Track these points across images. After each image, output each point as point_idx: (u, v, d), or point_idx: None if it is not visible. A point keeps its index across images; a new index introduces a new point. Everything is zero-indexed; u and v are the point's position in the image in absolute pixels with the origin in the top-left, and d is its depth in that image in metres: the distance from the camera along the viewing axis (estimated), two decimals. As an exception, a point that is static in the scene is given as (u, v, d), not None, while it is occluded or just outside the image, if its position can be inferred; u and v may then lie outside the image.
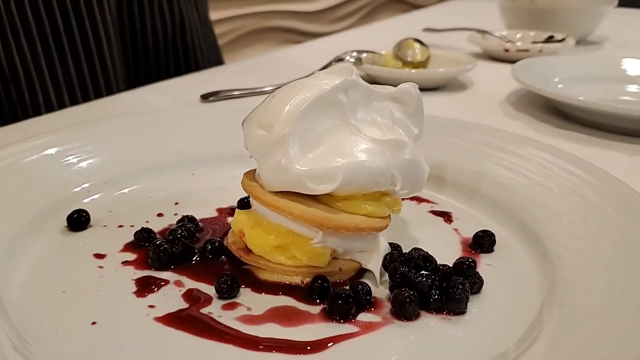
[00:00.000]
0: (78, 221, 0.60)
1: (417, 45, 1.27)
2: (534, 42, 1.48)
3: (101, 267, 0.54)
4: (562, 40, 1.45)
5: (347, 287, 0.50)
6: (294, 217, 0.50)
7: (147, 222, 0.62)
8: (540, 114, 1.02)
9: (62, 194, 0.63)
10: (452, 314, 0.49)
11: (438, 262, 0.53)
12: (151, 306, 0.49)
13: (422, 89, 1.13)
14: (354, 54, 1.22)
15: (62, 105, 1.08)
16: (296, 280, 0.52)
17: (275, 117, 0.52)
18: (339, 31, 2.29)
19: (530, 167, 0.66)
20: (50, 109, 1.06)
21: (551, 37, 1.48)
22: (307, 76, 0.56)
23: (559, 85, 1.12)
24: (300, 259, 0.52)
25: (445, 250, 0.58)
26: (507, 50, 1.41)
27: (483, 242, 0.58)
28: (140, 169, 0.70)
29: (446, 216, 0.65)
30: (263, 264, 0.52)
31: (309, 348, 0.45)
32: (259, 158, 0.53)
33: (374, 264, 0.53)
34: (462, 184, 0.69)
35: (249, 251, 0.53)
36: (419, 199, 0.69)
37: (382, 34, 1.54)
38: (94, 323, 0.47)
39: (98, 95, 1.14)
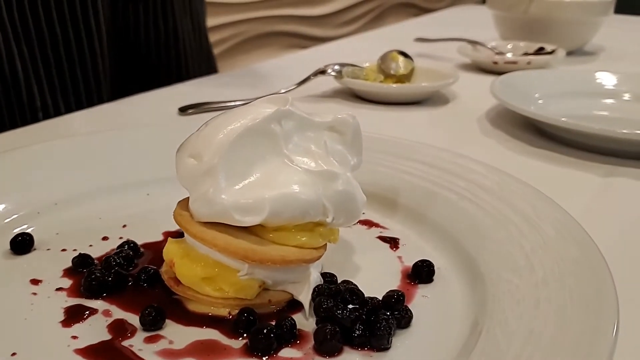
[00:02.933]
0: (21, 244, 0.60)
1: (401, 57, 1.26)
2: (525, 54, 1.47)
3: (35, 293, 0.54)
4: (552, 52, 1.44)
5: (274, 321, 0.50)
6: (218, 249, 0.50)
7: (90, 245, 0.62)
8: (517, 131, 1.01)
9: (8, 215, 0.64)
10: (376, 349, 0.48)
11: (370, 294, 0.53)
12: (74, 337, 0.49)
13: (402, 103, 1.15)
14: (336, 66, 1.21)
15: (57, 111, 1.12)
16: (223, 312, 0.52)
17: (205, 146, 0.52)
18: (345, 36, 2.29)
19: (479, 194, 0.65)
20: (46, 112, 1.11)
21: (541, 48, 1.47)
22: (246, 103, 0.55)
23: (540, 101, 1.10)
24: (227, 291, 0.51)
25: (385, 280, 0.57)
26: (495, 63, 1.39)
27: (421, 272, 0.58)
28: (93, 190, 0.70)
29: (393, 242, 0.64)
30: (191, 295, 0.52)
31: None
32: (188, 188, 0.53)
33: (304, 296, 0.53)
34: (412, 208, 0.69)
35: (178, 281, 0.53)
36: (369, 224, 0.68)
37: (374, 43, 1.53)
38: (14, 354, 0.47)
39: (90, 103, 1.17)
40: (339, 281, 0.56)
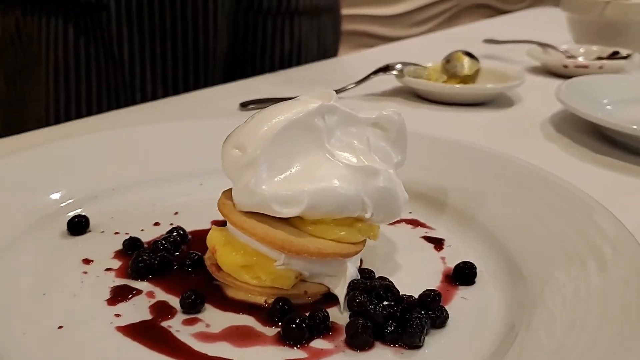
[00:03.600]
0: (76, 225, 0.63)
1: (466, 58, 1.24)
2: (598, 58, 1.42)
3: (85, 272, 0.57)
4: (627, 57, 1.38)
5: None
6: (257, 238, 0.52)
7: (142, 230, 0.64)
8: (582, 137, 0.98)
9: (68, 198, 0.67)
10: (407, 347, 0.48)
11: (408, 293, 0.53)
12: (117, 315, 0.51)
13: (465, 105, 1.14)
14: (399, 65, 1.21)
15: (155, 96, 1.24)
16: (260, 300, 0.53)
17: (249, 138, 0.53)
18: (414, 36, 2.28)
19: (530, 200, 0.64)
20: (155, 97, 1.23)
21: (616, 52, 1.41)
22: (292, 98, 0.56)
23: (608, 107, 1.07)
24: (264, 280, 0.52)
25: (424, 280, 0.57)
26: (566, 66, 1.35)
27: (463, 273, 0.57)
28: (150, 178, 0.73)
29: (438, 243, 0.64)
30: (230, 281, 0.54)
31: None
32: (232, 178, 0.54)
33: (340, 289, 0.53)
34: (460, 210, 0.68)
35: (219, 268, 0.55)
36: (415, 223, 0.68)
37: (442, 44, 1.51)
38: (60, 327, 0.50)
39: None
40: (376, 277, 0.56)
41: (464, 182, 0.71)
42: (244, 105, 1.08)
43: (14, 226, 0.61)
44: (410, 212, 0.70)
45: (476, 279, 0.58)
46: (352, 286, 0.52)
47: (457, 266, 0.58)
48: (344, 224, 0.54)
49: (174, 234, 0.62)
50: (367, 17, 3.00)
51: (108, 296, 0.54)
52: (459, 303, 0.55)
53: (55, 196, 0.67)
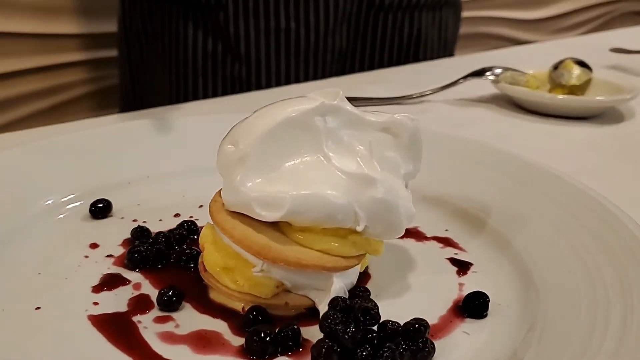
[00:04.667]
0: (97, 209, 0.64)
1: (576, 67, 1.12)
2: None
3: (87, 256, 0.57)
4: None
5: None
6: (234, 240, 0.49)
7: (160, 220, 0.64)
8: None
9: (101, 182, 0.68)
10: (376, 379, 0.43)
11: (404, 319, 0.47)
12: (96, 303, 0.51)
13: (568, 117, 1.03)
14: (498, 70, 1.12)
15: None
16: (238, 306, 0.50)
17: (243, 134, 0.50)
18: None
19: (582, 236, 0.55)
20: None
21: None
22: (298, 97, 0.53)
23: None
24: (242, 285, 0.49)
25: (428, 307, 0.51)
26: (699, 82, 1.18)
27: (472, 304, 0.51)
28: (185, 168, 0.72)
29: (463, 267, 0.57)
30: (213, 283, 0.51)
31: (194, 381, 0.43)
32: (223, 174, 0.51)
33: (324, 306, 0.49)
34: (499, 233, 0.60)
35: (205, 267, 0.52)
36: (446, 242, 0.61)
37: (561, 50, 1.39)
38: (38, 308, 0.50)
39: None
40: (367, 298, 0.51)
41: (510, 202, 0.63)
42: None
43: (40, 205, 0.63)
44: (446, 230, 0.63)
45: (488, 313, 0.51)
46: (331, 304, 0.47)
47: (468, 296, 0.51)
48: (336, 235, 0.49)
49: (185, 227, 0.60)
50: (506, 20, 2.84)
51: (96, 283, 0.53)
52: (457, 337, 0.48)
53: (89, 179, 0.68)
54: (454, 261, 0.58)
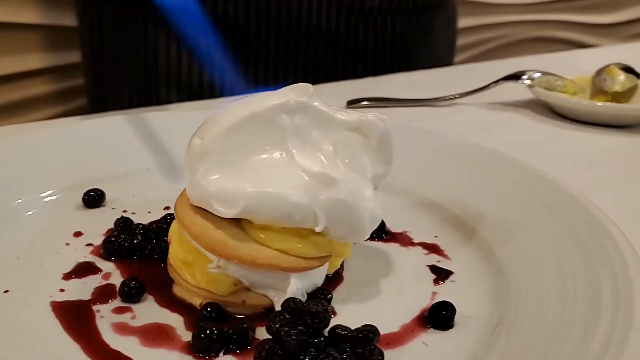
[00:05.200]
0: (89, 199, 0.65)
1: (621, 73, 1.06)
2: None
3: (68, 244, 0.58)
4: None
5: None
6: (191, 235, 0.48)
7: (149, 212, 0.64)
8: None
9: (100, 173, 0.69)
10: (316, 385, 0.42)
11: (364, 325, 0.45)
12: (62, 290, 0.51)
13: (609, 126, 0.97)
14: (536, 74, 1.07)
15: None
16: (196, 302, 0.50)
17: (210, 128, 0.50)
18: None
19: (572, 260, 0.51)
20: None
21: None
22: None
23: None
24: (199, 281, 0.49)
25: (392, 315, 0.49)
26: None
27: (436, 315, 0.48)
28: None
29: (442, 276, 0.55)
30: (176, 277, 0.51)
31: (132, 373, 0.43)
32: (188, 168, 0.51)
33: (279, 306, 0.48)
34: (488, 243, 0.58)
35: (172, 261, 0.52)
36: (432, 249, 0.59)
37: (616, 56, 1.31)
38: (6, 291, 0.51)
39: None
40: (326, 300, 0.49)
41: (506, 211, 0.60)
42: (351, 104, 1.04)
43: (39, 192, 0.65)
44: (435, 236, 0.61)
45: (454, 324, 0.48)
46: (283, 305, 0.46)
47: (434, 306, 0.49)
48: (297, 235, 0.48)
49: (168, 219, 0.60)
50: (574, 25, 2.73)
51: (68, 270, 0.54)
52: (414, 348, 0.46)
53: (88, 169, 0.69)
54: (434, 269, 0.56)
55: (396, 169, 0.66)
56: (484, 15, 2.43)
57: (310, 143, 0.49)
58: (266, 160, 0.48)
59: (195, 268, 0.49)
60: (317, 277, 0.51)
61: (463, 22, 2.37)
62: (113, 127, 0.75)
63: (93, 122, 0.75)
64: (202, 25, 0.70)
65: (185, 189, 0.53)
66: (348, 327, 0.45)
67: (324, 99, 0.50)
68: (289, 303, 0.46)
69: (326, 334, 0.45)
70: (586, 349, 0.40)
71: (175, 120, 0.77)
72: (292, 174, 0.47)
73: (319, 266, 0.49)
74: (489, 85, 1.07)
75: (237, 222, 0.49)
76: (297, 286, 0.48)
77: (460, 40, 2.43)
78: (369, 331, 0.44)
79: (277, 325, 0.44)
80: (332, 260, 0.52)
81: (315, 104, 0.49)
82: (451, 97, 1.07)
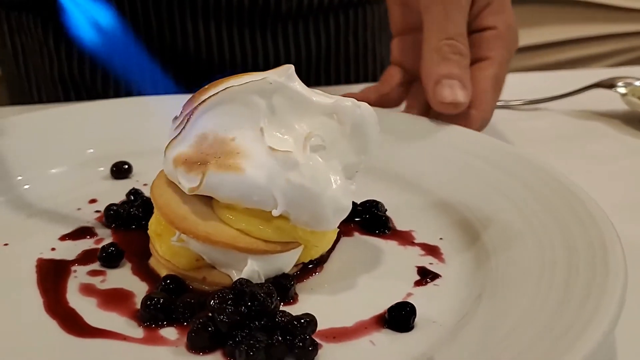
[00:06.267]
0: (117, 170, 0.68)
1: None
2: None
3: (79, 209, 0.61)
4: None
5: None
6: (156, 207, 0.49)
7: (167, 187, 0.66)
8: None
9: (133, 147, 0.72)
10: (240, 364, 0.41)
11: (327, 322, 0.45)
12: (53, 249, 0.55)
13: None
14: (637, 82, 0.97)
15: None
16: (162, 273, 0.50)
17: (188, 105, 0.50)
18: None
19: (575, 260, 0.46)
20: None
21: None
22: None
23: None
24: (164, 252, 0.50)
25: (354, 310, 0.47)
26: None
27: (394, 315, 0.46)
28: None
29: (427, 278, 0.52)
30: (150, 247, 0.52)
31: (81, 331, 0.45)
32: (167, 142, 0.52)
33: (235, 286, 0.47)
34: (487, 248, 0.53)
35: (152, 232, 0.54)
36: (430, 250, 0.55)
37: None
38: (6, 244, 0.55)
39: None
40: (298, 290, 0.48)
41: (513, 218, 0.55)
42: None
43: (78, 155, 0.69)
44: (440, 239, 0.57)
45: (413, 327, 0.45)
46: (232, 285, 0.46)
47: (393, 305, 0.46)
48: (259, 217, 0.48)
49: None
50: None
51: (67, 232, 0.57)
52: (358, 345, 0.44)
53: (122, 143, 0.72)
54: (422, 270, 0.53)
55: (413, 164, 0.63)
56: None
57: (284, 125, 0.48)
58: (236, 139, 0.48)
59: (163, 240, 0.50)
60: (283, 262, 0.49)
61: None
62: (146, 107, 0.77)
63: (125, 102, 0.78)
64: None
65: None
66: (290, 314, 0.44)
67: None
68: (236, 283, 0.45)
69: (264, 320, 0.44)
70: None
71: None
72: (258, 155, 0.47)
73: (280, 251, 0.48)
74: (577, 91, 0.98)
75: (208, 200, 0.49)
76: (254, 268, 0.47)
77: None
78: (305, 320, 0.43)
79: (215, 303, 0.43)
80: (309, 249, 0.51)
81: (294, 84, 0.48)
82: (535, 101, 1.00)
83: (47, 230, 0.57)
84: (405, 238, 0.58)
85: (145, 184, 0.67)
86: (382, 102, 0.74)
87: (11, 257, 0.53)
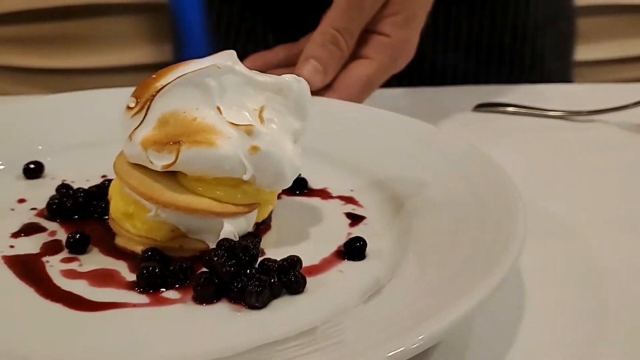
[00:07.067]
0: (29, 170, 0.69)
1: None
2: None
3: (13, 209, 0.63)
4: None
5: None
6: (130, 188, 0.54)
7: (87, 180, 0.68)
8: None
9: (40, 146, 0.73)
10: (248, 307, 0.49)
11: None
12: (12, 246, 0.56)
13: None
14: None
15: None
16: (138, 249, 0.55)
17: (142, 91, 0.55)
18: None
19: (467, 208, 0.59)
20: None
21: None
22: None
23: None
24: (140, 229, 0.55)
25: (314, 252, 0.56)
26: None
27: (350, 248, 0.56)
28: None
29: (356, 220, 0.63)
30: (117, 229, 0.57)
31: (83, 305, 0.48)
32: (123, 128, 0.56)
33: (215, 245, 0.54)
34: (396, 195, 0.66)
35: (112, 216, 0.58)
36: (347, 200, 0.67)
37: None
38: (-36, 249, 0.55)
39: None
40: (261, 244, 0.56)
41: (413, 169, 0.68)
42: (479, 107, 0.99)
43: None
44: (351, 190, 0.69)
45: (366, 256, 0.56)
46: (218, 244, 0.52)
47: (347, 241, 0.57)
48: (227, 185, 0.55)
49: (105, 184, 0.65)
50: None
51: (16, 230, 0.59)
52: (331, 275, 0.54)
53: (29, 144, 0.73)
54: (349, 215, 0.64)
55: (319, 135, 0.73)
56: None
57: (236, 103, 0.55)
58: (197, 118, 0.54)
59: (135, 218, 0.55)
60: (247, 223, 0.57)
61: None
62: (49, 105, 0.78)
63: (32, 100, 0.79)
64: None
65: (122, 151, 0.58)
66: (275, 259, 0.52)
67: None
68: (223, 241, 0.52)
69: (256, 267, 0.52)
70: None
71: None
72: (222, 130, 0.54)
73: (247, 212, 0.56)
74: (637, 103, 0.94)
75: (172, 175, 0.55)
76: (230, 229, 0.54)
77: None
78: (292, 259, 0.51)
79: (213, 259, 0.50)
80: (261, 209, 0.59)
81: (238, 67, 0.56)
82: (592, 112, 0.96)
83: (-1, 232, 0.58)
84: (323, 194, 0.68)
85: (64, 180, 0.69)
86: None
87: (-27, 260, 0.54)
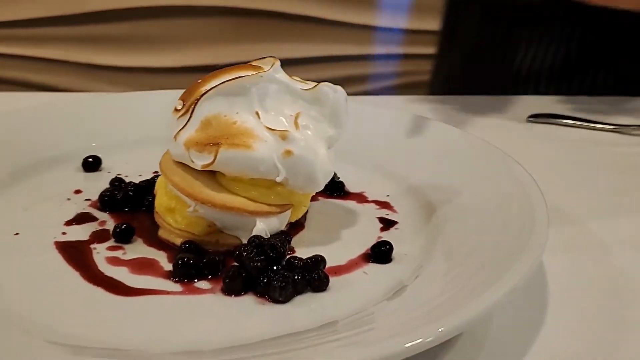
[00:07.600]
0: (88, 163, 0.74)
1: None
2: None
3: (69, 199, 0.68)
4: None
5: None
6: (172, 184, 0.58)
7: (139, 175, 0.73)
8: None
9: (100, 142, 0.79)
10: (272, 301, 0.52)
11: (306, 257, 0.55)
12: (64, 233, 0.61)
13: None
14: None
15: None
16: (178, 242, 0.59)
17: (189, 95, 0.59)
18: None
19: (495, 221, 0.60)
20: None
21: None
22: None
23: None
24: (180, 223, 0.58)
25: (342, 253, 0.59)
26: None
27: (376, 251, 0.58)
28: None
29: (388, 225, 0.65)
30: (160, 222, 0.61)
31: (122, 290, 0.52)
32: (171, 128, 0.60)
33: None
34: (429, 202, 0.67)
35: (158, 210, 0.62)
36: (383, 205, 0.69)
37: None
38: (17, 234, 0.61)
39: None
40: (292, 243, 0.59)
41: (446, 177, 0.70)
42: (533, 117, 1.01)
43: (49, 153, 0.75)
44: (387, 195, 0.71)
45: (392, 259, 0.58)
46: (249, 240, 0.56)
47: (374, 244, 0.59)
48: (262, 186, 0.58)
49: (155, 179, 0.70)
50: None
51: (70, 218, 0.64)
52: (356, 275, 0.56)
53: (90, 138, 0.79)
54: (382, 219, 0.66)
55: (362, 141, 0.76)
56: None
57: (274, 109, 0.59)
58: (237, 122, 0.58)
59: (176, 212, 0.59)
60: (280, 222, 0.60)
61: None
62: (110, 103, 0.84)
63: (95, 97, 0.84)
64: None
65: (168, 150, 0.62)
66: (301, 258, 0.55)
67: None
68: (254, 238, 0.55)
69: (283, 264, 0.55)
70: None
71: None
72: (260, 134, 0.57)
73: (280, 212, 0.59)
74: None
75: (212, 175, 0.58)
76: (262, 227, 0.57)
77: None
78: (317, 258, 0.54)
79: (243, 254, 0.53)
80: (295, 210, 0.61)
81: (279, 75, 0.59)
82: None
83: (50, 219, 0.63)
84: (359, 198, 0.71)
85: (119, 174, 0.74)
86: None
87: (29, 243, 0.59)
